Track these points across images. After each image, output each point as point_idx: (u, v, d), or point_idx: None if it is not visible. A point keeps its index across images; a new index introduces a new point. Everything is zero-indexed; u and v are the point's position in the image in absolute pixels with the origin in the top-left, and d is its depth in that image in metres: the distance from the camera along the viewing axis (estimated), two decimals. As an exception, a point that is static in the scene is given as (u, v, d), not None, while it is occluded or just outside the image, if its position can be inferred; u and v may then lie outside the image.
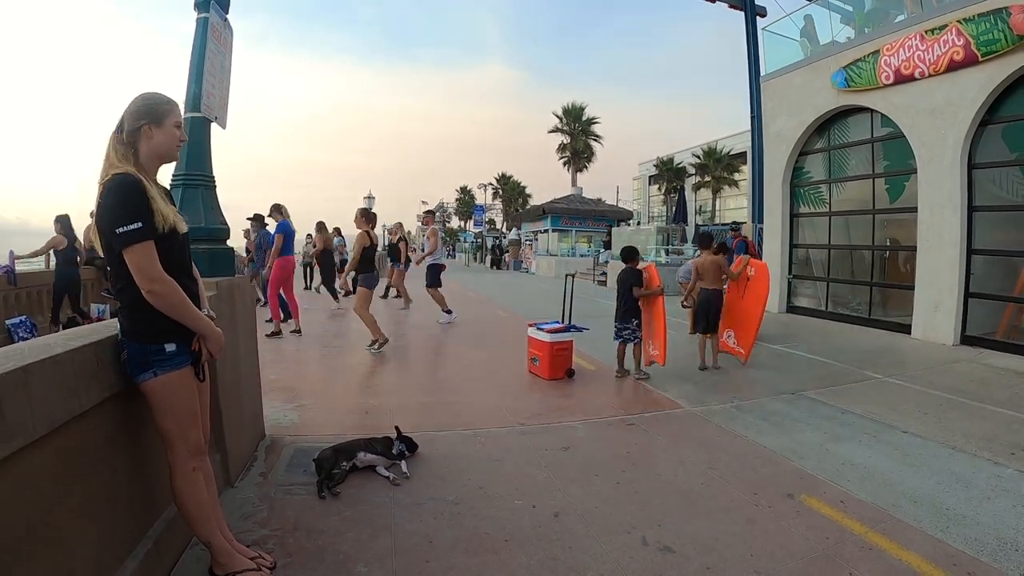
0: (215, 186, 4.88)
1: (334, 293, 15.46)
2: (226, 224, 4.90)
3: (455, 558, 3.39)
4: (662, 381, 7.67)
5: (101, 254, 9.40)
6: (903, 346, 10.62)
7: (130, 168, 2.63)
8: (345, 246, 19.03)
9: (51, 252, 10.97)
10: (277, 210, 11.20)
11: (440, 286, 13.05)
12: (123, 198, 2.54)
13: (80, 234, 12.00)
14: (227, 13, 5.11)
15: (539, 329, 7.88)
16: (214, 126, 4.94)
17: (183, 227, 2.84)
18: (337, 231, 18.62)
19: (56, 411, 2.20)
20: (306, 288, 19.17)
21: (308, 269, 20.25)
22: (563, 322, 8.34)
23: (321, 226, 16.02)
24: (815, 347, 10.19)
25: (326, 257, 16.06)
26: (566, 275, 8.98)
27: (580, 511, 4.02)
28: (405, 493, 4.25)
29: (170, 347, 2.71)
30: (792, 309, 15.07)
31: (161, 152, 2.82)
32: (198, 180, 4.66)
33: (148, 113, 2.76)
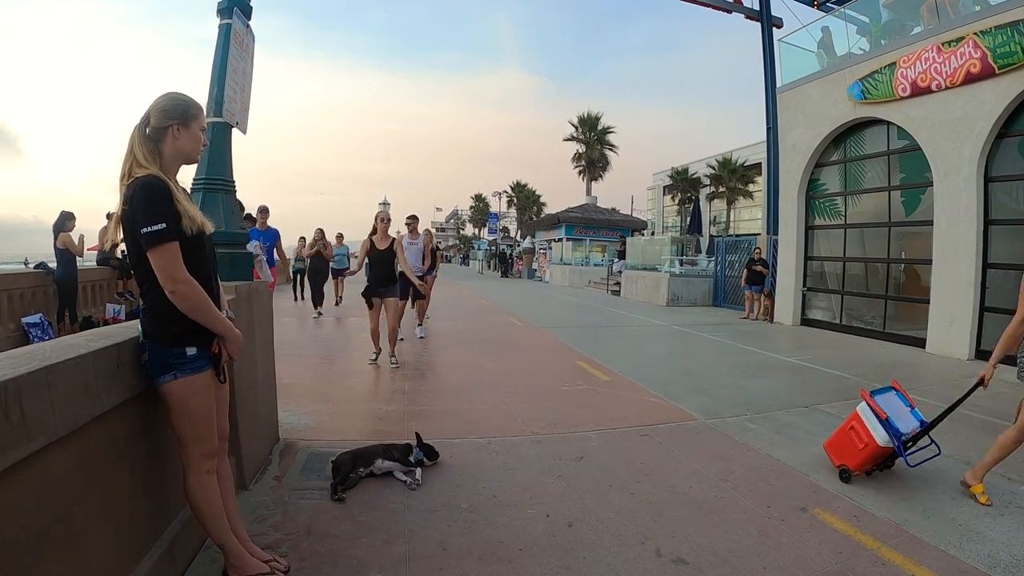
0: (235, 191, 4.91)
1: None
2: (246, 228, 4.94)
3: (469, 566, 3.39)
4: (676, 392, 7.65)
5: (118, 255, 9.40)
6: (917, 360, 10.58)
7: (156, 169, 2.65)
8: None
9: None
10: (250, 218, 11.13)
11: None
12: (149, 199, 2.55)
13: (95, 235, 12.05)
14: (249, 20, 5.15)
15: (884, 424, 4.81)
16: (235, 131, 4.98)
17: (210, 228, 2.86)
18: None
19: (77, 412, 2.22)
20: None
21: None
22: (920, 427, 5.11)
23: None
24: (829, 360, 10.15)
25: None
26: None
27: (594, 521, 4.01)
28: (419, 500, 4.26)
29: (191, 351, 2.73)
30: (806, 322, 15.06)
31: (185, 154, 2.84)
32: (218, 185, 4.70)
33: (178, 113, 2.77)
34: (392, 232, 8.99)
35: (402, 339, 10.84)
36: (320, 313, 14.87)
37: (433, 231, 15.52)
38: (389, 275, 8.69)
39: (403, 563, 3.39)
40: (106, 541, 2.46)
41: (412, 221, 11.45)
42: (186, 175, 3.01)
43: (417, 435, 4.95)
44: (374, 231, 8.59)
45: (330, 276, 16.69)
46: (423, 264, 11.69)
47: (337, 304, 17.35)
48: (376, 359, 8.92)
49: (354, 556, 3.45)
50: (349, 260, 16.68)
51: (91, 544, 2.33)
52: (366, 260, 8.86)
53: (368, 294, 8.66)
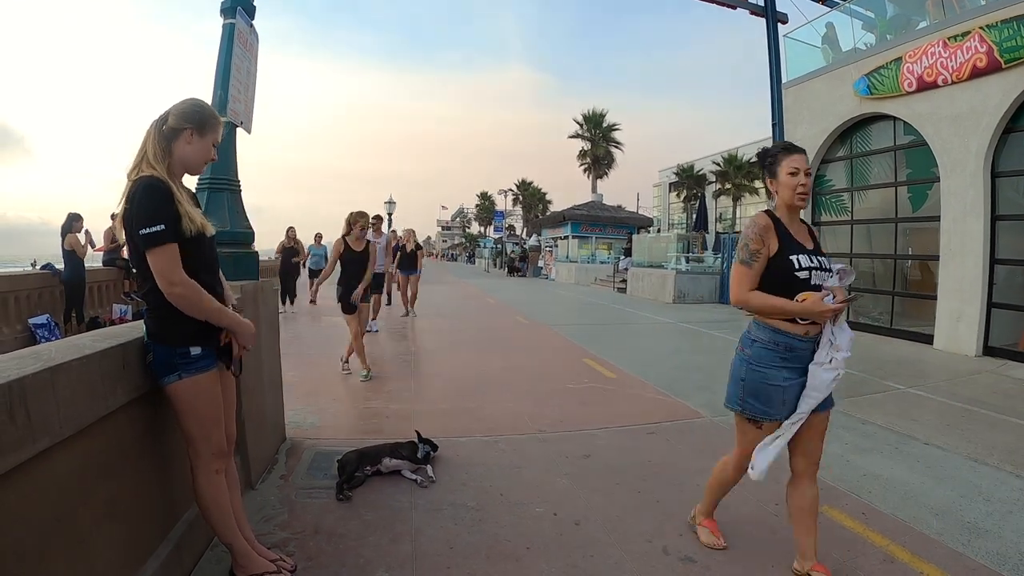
0: (240, 190, 4.91)
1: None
2: (251, 228, 4.93)
3: (476, 564, 3.39)
4: (683, 389, 7.64)
5: (124, 255, 9.37)
6: (925, 356, 10.53)
7: (161, 170, 2.65)
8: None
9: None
10: None
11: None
12: (148, 200, 2.55)
13: (100, 235, 12.08)
14: (253, 19, 5.15)
15: None
16: (239, 131, 4.98)
17: (211, 230, 2.85)
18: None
19: (83, 412, 2.22)
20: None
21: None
22: None
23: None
24: (836, 356, 10.07)
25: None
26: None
27: (601, 519, 4.01)
28: (426, 498, 4.26)
29: (195, 350, 2.72)
30: (813, 318, 14.96)
31: (190, 162, 2.83)
32: (223, 184, 4.70)
33: (196, 119, 2.78)
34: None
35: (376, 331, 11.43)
36: (284, 311, 15.04)
37: (414, 230, 15.35)
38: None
39: (410, 562, 3.40)
40: (112, 541, 2.46)
41: (376, 221, 11.95)
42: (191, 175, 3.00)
43: (417, 432, 4.97)
44: (348, 231, 8.07)
45: (307, 276, 16.83)
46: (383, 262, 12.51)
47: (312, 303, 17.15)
48: (369, 375, 8.10)
49: (361, 555, 3.45)
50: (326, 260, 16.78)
51: (97, 544, 2.33)
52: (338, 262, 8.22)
53: (347, 298, 8.06)
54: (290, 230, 16.04)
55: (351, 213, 8.15)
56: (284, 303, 15.56)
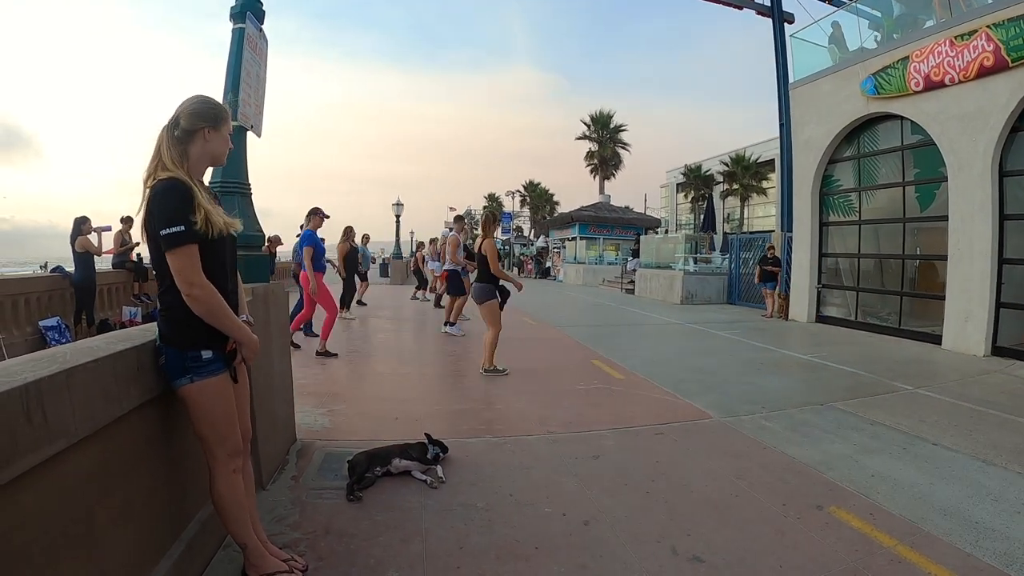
0: (251, 193, 4.94)
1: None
2: (262, 231, 4.96)
3: (486, 564, 3.40)
4: (691, 390, 7.64)
5: (133, 258, 9.37)
6: (933, 357, 10.51)
7: (180, 172, 2.67)
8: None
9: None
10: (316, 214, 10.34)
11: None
12: (169, 201, 2.58)
13: (112, 237, 12.13)
14: (262, 24, 5.18)
15: None
16: (249, 134, 5.01)
17: (237, 227, 2.93)
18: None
19: (98, 414, 2.24)
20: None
21: None
22: None
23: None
24: (844, 357, 10.10)
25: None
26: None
27: (610, 520, 4.01)
28: (436, 499, 4.27)
29: (207, 354, 2.74)
30: (821, 319, 15.00)
31: (213, 156, 2.90)
32: (234, 187, 4.73)
33: (209, 117, 2.82)
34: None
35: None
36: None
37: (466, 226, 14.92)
38: (480, 275, 8.57)
39: (420, 562, 3.41)
40: (126, 541, 2.48)
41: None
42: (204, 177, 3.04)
43: (427, 435, 4.98)
44: (485, 228, 8.58)
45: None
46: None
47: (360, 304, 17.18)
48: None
49: (371, 555, 3.47)
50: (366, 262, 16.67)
51: (111, 544, 2.35)
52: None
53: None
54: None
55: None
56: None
